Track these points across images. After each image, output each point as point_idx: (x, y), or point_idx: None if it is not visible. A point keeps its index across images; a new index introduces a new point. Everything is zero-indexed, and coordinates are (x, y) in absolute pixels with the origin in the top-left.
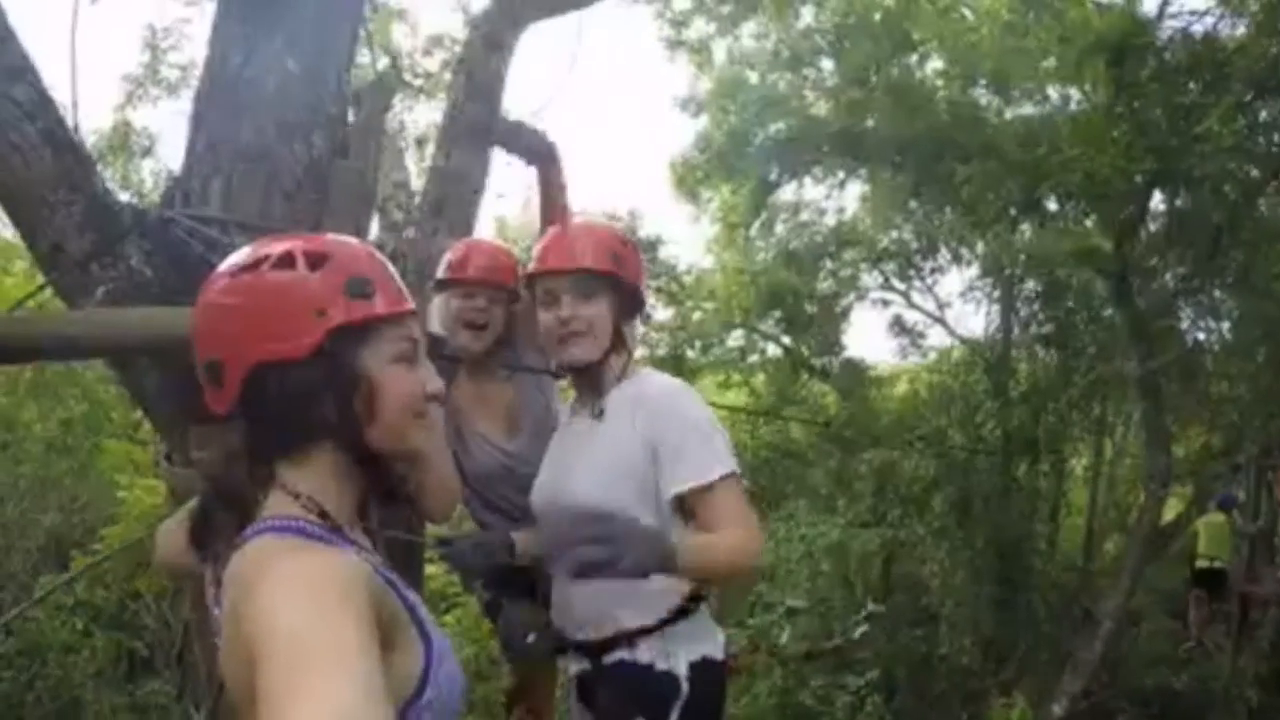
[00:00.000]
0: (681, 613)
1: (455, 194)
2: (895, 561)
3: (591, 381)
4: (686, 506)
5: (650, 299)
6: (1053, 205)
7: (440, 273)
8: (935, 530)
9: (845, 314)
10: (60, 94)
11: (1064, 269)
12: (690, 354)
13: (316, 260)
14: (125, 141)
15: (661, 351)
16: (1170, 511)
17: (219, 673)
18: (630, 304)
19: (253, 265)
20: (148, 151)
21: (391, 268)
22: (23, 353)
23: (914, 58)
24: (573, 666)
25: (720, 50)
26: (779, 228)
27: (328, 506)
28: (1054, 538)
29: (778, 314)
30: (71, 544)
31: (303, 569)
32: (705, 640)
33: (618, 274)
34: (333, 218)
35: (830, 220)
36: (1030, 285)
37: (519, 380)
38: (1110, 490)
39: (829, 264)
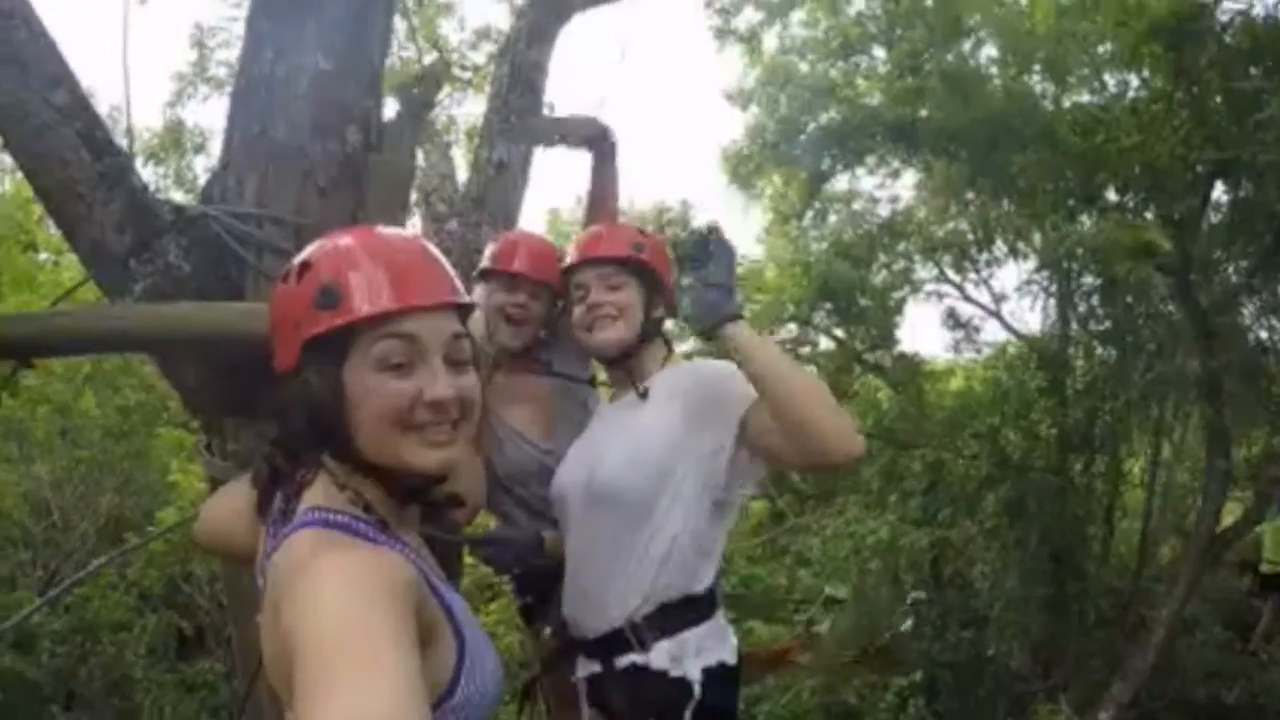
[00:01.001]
0: (693, 613)
1: (498, 186)
2: (945, 562)
3: (628, 371)
4: (750, 428)
5: None
6: (1111, 196)
7: (485, 262)
8: (986, 530)
9: (899, 307)
10: (113, 93)
11: (1122, 263)
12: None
13: (303, 270)
14: (178, 139)
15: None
16: (1229, 516)
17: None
18: (660, 295)
19: (280, 278)
20: (200, 148)
21: (420, 253)
22: (68, 346)
23: (967, 44)
24: (583, 669)
25: (770, 39)
26: (832, 218)
27: (373, 500)
28: (1108, 541)
29: (830, 306)
30: (128, 526)
31: (345, 565)
32: (719, 645)
33: (640, 260)
34: (369, 212)
35: (884, 211)
36: (1088, 280)
37: (557, 386)
38: (1167, 493)
39: (882, 256)
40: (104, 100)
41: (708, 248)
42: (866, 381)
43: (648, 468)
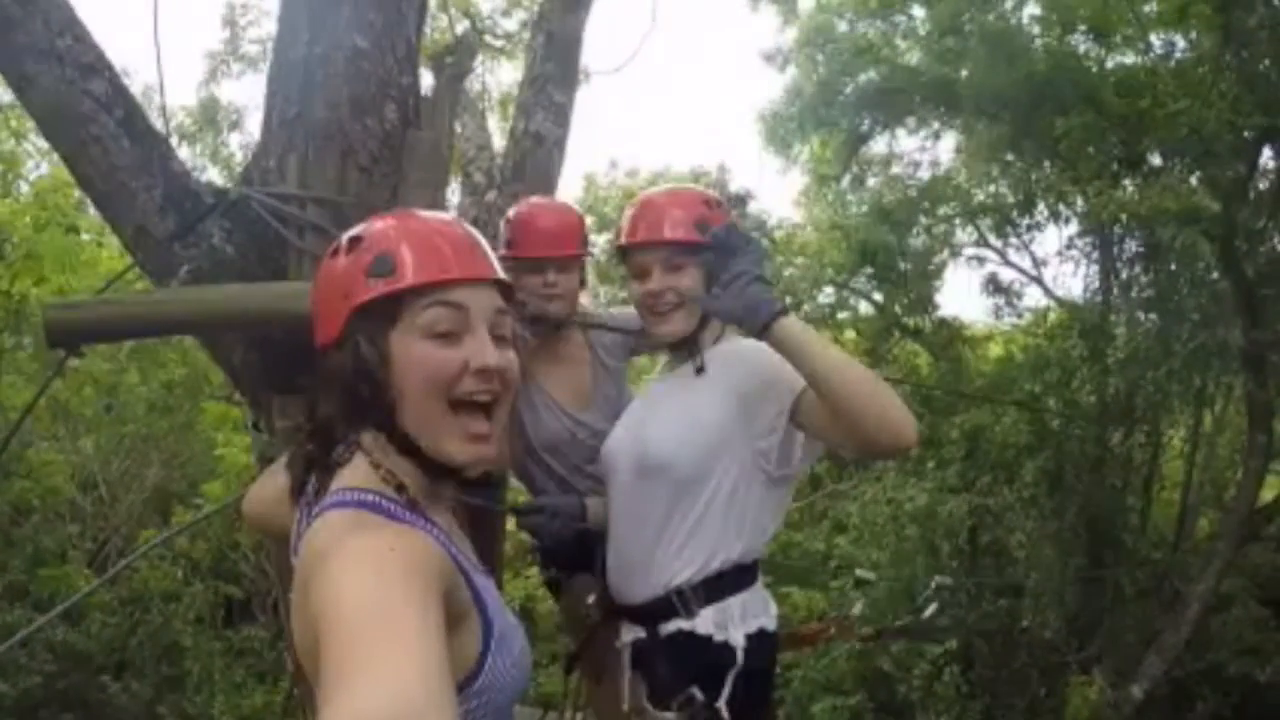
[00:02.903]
0: (740, 577)
1: (535, 155)
2: (982, 530)
3: (686, 349)
4: (802, 413)
5: None
6: (1156, 161)
7: (502, 247)
8: (1025, 499)
9: (939, 271)
10: (148, 74)
11: (1166, 229)
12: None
13: (353, 244)
14: (213, 117)
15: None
16: (1269, 491)
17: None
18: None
19: (328, 255)
20: (235, 125)
21: (464, 235)
22: (116, 332)
23: (1009, 3)
24: (626, 635)
25: None
26: (871, 181)
27: (406, 480)
28: (1146, 512)
29: (869, 270)
30: (173, 497)
31: (373, 546)
32: (761, 612)
33: (706, 242)
34: (409, 189)
35: (924, 173)
36: (1131, 246)
37: (595, 363)
38: (1208, 465)
39: (922, 219)
40: (138, 81)
41: (730, 240)
42: (905, 346)
43: (700, 443)
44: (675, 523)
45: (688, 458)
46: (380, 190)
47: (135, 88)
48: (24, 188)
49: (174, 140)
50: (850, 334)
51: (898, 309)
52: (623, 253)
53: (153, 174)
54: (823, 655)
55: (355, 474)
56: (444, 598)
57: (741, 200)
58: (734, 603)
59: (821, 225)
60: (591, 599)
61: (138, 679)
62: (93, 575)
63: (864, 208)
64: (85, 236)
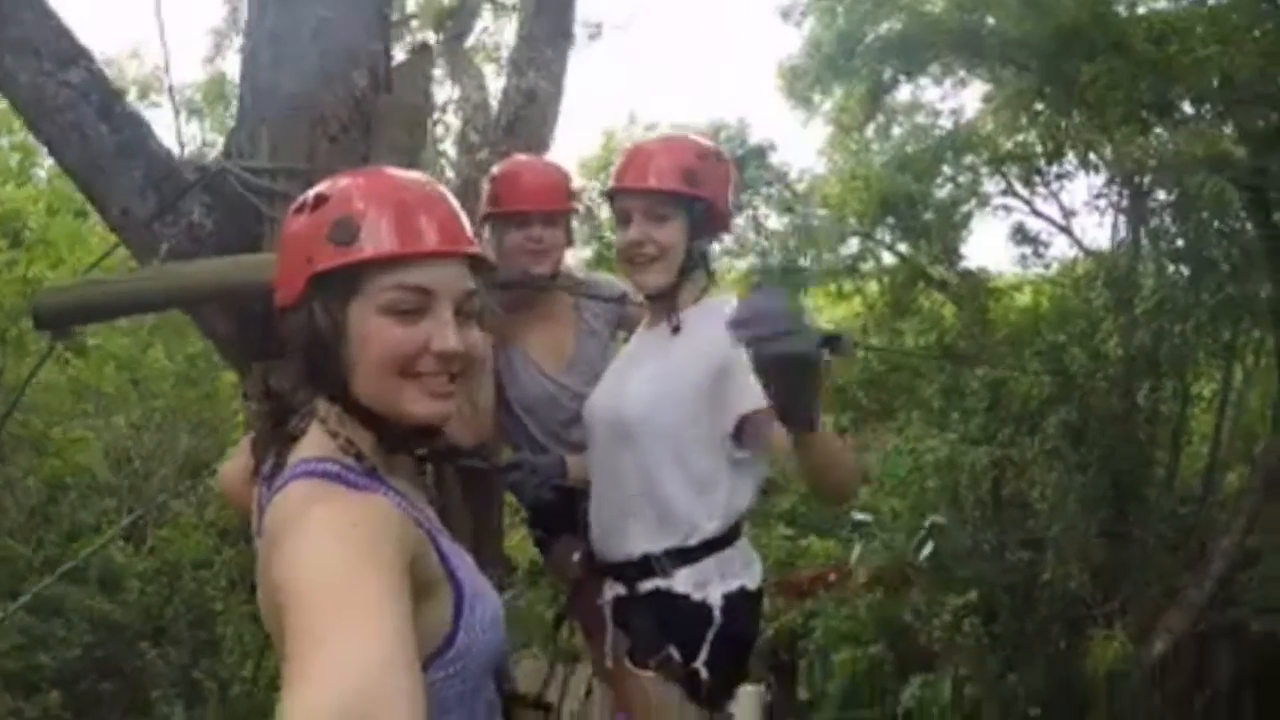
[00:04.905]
0: (716, 543)
1: (528, 114)
2: (1005, 482)
3: (666, 302)
4: (749, 428)
5: (762, 207)
6: (1187, 109)
7: (486, 205)
8: (1047, 452)
9: (965, 221)
10: (157, 52)
11: (1195, 178)
12: (803, 262)
13: (318, 202)
14: (221, 91)
15: (774, 260)
16: None
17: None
18: (709, 223)
19: (293, 211)
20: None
21: (435, 198)
22: (100, 313)
23: None
24: (608, 592)
25: None
26: (895, 130)
27: (364, 448)
28: (1173, 466)
29: (893, 221)
30: (204, 466)
31: (333, 516)
32: (741, 571)
33: (691, 194)
34: (381, 155)
35: (948, 123)
36: (1160, 195)
37: (579, 325)
38: (1237, 419)
39: (947, 169)
40: (148, 60)
41: (754, 306)
42: (930, 296)
43: (671, 408)
44: (649, 494)
45: (659, 423)
46: (350, 157)
47: (145, 67)
48: (41, 175)
49: (183, 116)
50: (874, 286)
51: (922, 259)
52: (611, 196)
53: (133, 156)
54: (843, 605)
55: (313, 444)
56: (410, 565)
57: (762, 153)
58: (710, 563)
59: (844, 175)
60: (576, 556)
61: (173, 645)
62: (129, 548)
63: (887, 157)
64: (94, 219)
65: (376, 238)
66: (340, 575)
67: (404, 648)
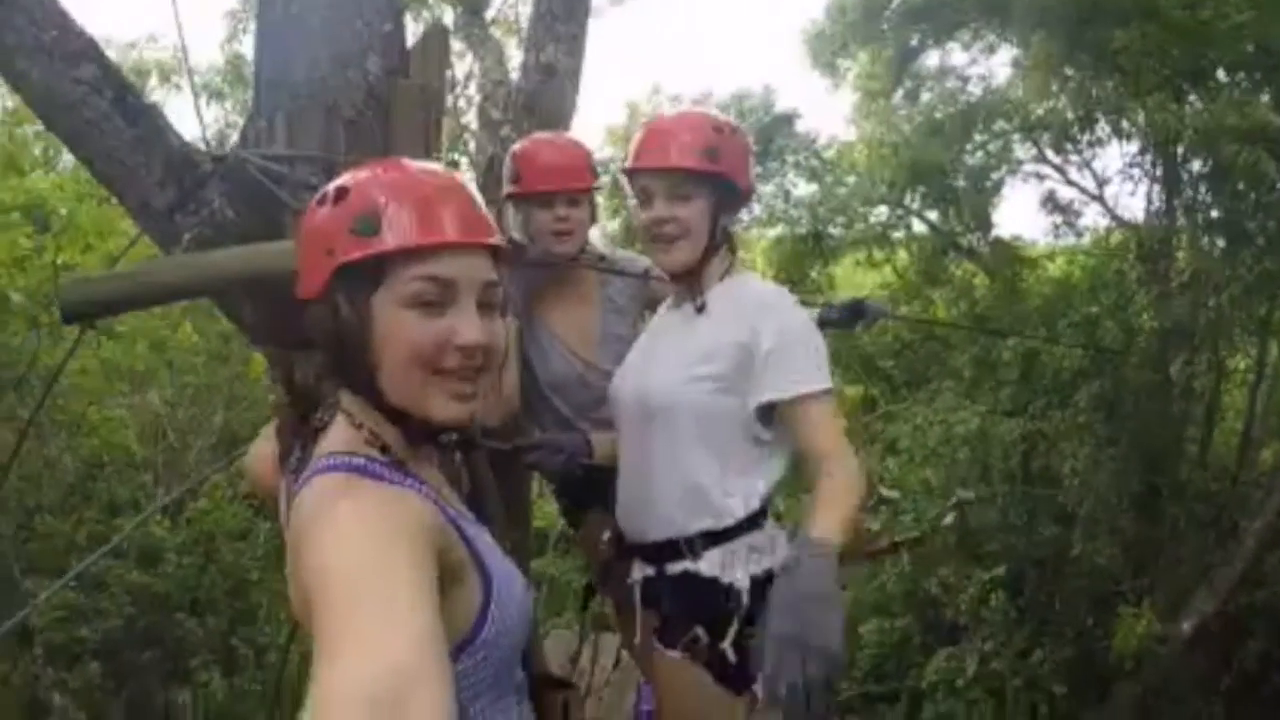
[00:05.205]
0: (747, 524)
1: (547, 89)
2: (1035, 455)
3: (690, 280)
4: (775, 414)
5: (790, 174)
6: (1221, 76)
7: (508, 184)
8: (1079, 425)
9: (996, 188)
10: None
11: (1231, 148)
12: (833, 231)
13: (339, 196)
14: (240, 74)
15: (802, 229)
16: None
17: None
18: (732, 198)
19: (314, 203)
20: None
21: (457, 190)
22: (127, 304)
23: None
24: (637, 572)
25: None
26: (924, 96)
27: (389, 439)
28: (1206, 442)
29: (923, 189)
30: (239, 440)
31: (360, 510)
32: (768, 554)
33: (714, 171)
34: (399, 137)
35: (978, 89)
36: (1196, 165)
37: (605, 303)
38: (1272, 395)
39: (978, 136)
40: (166, 43)
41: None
42: (961, 265)
43: (696, 390)
44: (677, 476)
45: (685, 406)
46: (368, 141)
47: (164, 53)
48: (67, 161)
49: (204, 99)
50: (903, 254)
51: (954, 226)
52: (629, 175)
53: (149, 149)
54: (872, 578)
55: (339, 437)
56: (438, 556)
57: (788, 120)
58: (740, 545)
59: (872, 142)
60: (606, 535)
61: (211, 613)
62: (165, 520)
63: (916, 123)
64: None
65: (398, 229)
66: (368, 566)
67: (432, 635)
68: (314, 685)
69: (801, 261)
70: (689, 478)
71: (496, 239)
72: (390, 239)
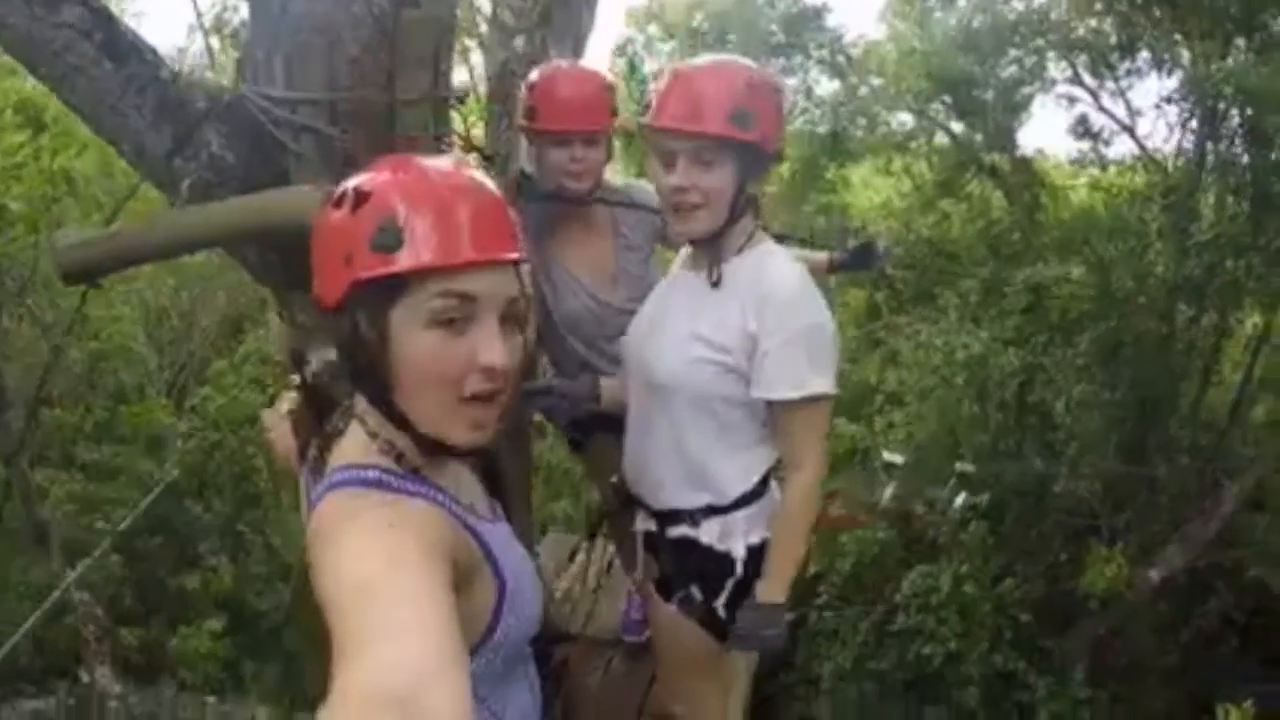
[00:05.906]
0: (748, 497)
1: (563, 2)
2: (1031, 389)
3: (710, 248)
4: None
5: (813, 71)
6: (1275, 29)
7: (523, 117)
8: (1079, 367)
9: (1025, 104)
10: None
11: (1274, 117)
12: (854, 132)
13: (359, 199)
14: None
15: (822, 128)
16: None
17: None
18: (758, 162)
19: (330, 202)
20: None
21: (484, 200)
22: (126, 262)
23: None
24: (640, 524)
25: None
26: (960, 1)
27: (403, 447)
28: (1200, 398)
29: (949, 100)
30: (245, 318)
31: (375, 524)
32: (766, 525)
33: (742, 138)
34: (406, 72)
35: (1020, 2)
36: (1234, 123)
37: (617, 238)
38: (1271, 357)
39: (1013, 51)
40: None
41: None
42: (981, 183)
43: (702, 370)
44: (679, 451)
45: (690, 385)
46: (373, 78)
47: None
48: None
49: (215, 40)
50: (923, 164)
51: (977, 139)
52: (648, 131)
53: (141, 90)
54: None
55: (353, 446)
56: (454, 563)
57: (817, 14)
58: (739, 516)
59: (902, 47)
60: (614, 479)
61: (217, 497)
62: (170, 405)
63: (951, 29)
64: None
65: (420, 246)
66: (382, 573)
67: (450, 634)
68: (334, 688)
69: (818, 160)
70: (691, 458)
71: (519, 254)
72: (413, 255)
